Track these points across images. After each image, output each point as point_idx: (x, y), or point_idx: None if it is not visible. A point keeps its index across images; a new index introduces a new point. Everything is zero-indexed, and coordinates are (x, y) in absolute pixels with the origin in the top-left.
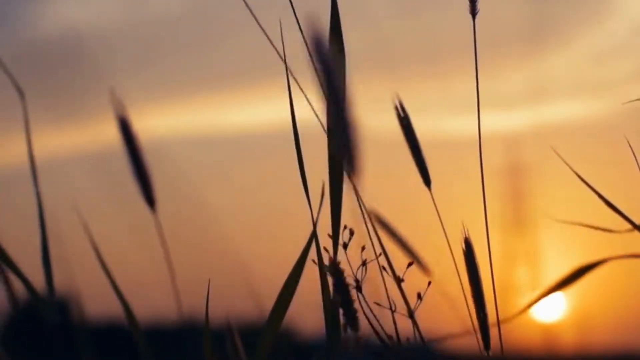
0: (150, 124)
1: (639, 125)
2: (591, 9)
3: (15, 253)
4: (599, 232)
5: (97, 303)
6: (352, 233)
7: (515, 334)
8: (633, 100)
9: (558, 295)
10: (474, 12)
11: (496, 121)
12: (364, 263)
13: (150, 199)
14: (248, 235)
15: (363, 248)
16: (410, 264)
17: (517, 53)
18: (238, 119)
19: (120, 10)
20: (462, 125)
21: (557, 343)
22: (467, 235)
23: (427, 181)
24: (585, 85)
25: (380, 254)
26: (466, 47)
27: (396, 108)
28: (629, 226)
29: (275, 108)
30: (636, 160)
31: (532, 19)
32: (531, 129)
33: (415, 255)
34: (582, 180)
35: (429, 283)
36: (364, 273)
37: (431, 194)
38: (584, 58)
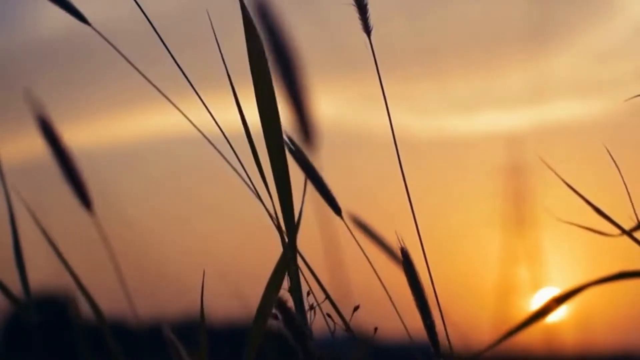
0: (152, 122)
1: (638, 125)
2: (593, 9)
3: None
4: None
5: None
6: None
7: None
8: (635, 97)
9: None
10: (367, 30)
11: (498, 121)
12: None
13: (85, 200)
14: (242, 233)
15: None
16: (356, 308)
17: (519, 53)
18: (234, 118)
19: (120, 9)
20: (462, 125)
21: (558, 343)
22: (403, 246)
23: (337, 211)
24: (586, 85)
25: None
26: (467, 47)
27: (286, 142)
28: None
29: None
30: (615, 164)
31: (534, 19)
32: (533, 129)
33: (395, 256)
34: (568, 186)
35: (356, 307)
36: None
37: (344, 221)
38: (585, 58)
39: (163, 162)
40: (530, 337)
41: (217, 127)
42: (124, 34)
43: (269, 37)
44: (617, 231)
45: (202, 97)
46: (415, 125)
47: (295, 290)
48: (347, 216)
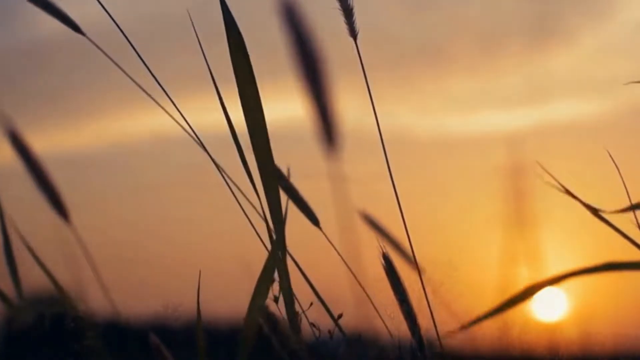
0: (151, 123)
1: (639, 125)
2: (593, 8)
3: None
4: (598, 233)
5: (95, 301)
6: None
7: (516, 333)
8: (635, 82)
9: (559, 294)
10: (354, 35)
11: (498, 120)
12: None
13: (61, 211)
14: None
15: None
16: (339, 316)
17: (519, 52)
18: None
19: (120, 9)
20: (462, 125)
21: (558, 342)
22: (385, 252)
23: (314, 222)
24: (586, 85)
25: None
26: (467, 47)
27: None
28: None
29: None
30: (615, 165)
31: (533, 18)
32: (533, 129)
33: (406, 255)
34: (565, 189)
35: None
36: None
37: (322, 231)
38: (585, 58)
39: (161, 162)
40: (531, 337)
41: (217, 128)
42: (127, 33)
43: (294, 39)
44: (613, 208)
45: (206, 98)
46: (416, 125)
47: (286, 293)
48: (358, 213)
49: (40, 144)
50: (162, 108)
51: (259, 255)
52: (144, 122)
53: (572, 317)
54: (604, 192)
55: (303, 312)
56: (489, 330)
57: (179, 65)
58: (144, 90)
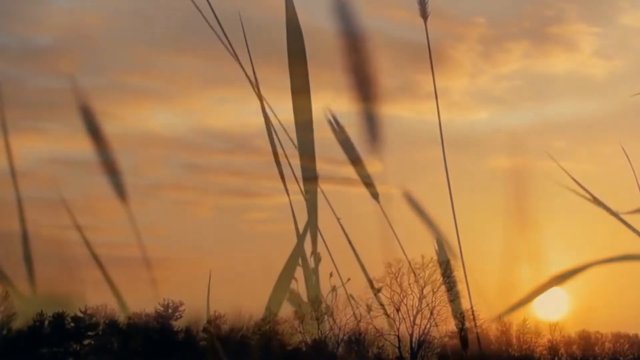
0: (146, 121)
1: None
2: (593, 12)
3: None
4: (597, 232)
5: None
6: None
7: (518, 332)
8: (638, 94)
9: (561, 294)
10: (424, 15)
11: (498, 120)
12: None
13: (120, 191)
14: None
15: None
16: (379, 290)
17: (520, 54)
18: (235, 116)
19: (119, 7)
20: (462, 125)
21: (558, 342)
22: (439, 239)
23: (374, 195)
24: (587, 84)
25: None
26: (468, 48)
27: (331, 122)
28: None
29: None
30: (629, 160)
31: (534, 21)
32: (533, 129)
33: (440, 236)
34: (578, 183)
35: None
36: None
37: (380, 205)
38: (586, 60)
39: (162, 162)
40: (531, 337)
41: (216, 128)
42: (137, 28)
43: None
44: (623, 209)
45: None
46: (416, 125)
47: (309, 276)
48: (402, 194)
49: (40, 144)
50: (260, 99)
51: (261, 255)
52: (144, 123)
53: (572, 317)
54: (605, 190)
55: (343, 284)
56: (489, 330)
57: (184, 66)
58: (250, 81)
